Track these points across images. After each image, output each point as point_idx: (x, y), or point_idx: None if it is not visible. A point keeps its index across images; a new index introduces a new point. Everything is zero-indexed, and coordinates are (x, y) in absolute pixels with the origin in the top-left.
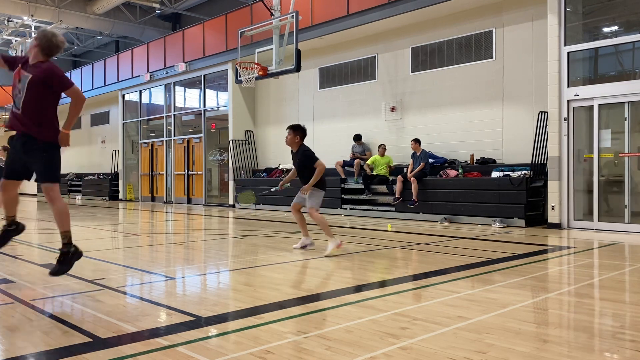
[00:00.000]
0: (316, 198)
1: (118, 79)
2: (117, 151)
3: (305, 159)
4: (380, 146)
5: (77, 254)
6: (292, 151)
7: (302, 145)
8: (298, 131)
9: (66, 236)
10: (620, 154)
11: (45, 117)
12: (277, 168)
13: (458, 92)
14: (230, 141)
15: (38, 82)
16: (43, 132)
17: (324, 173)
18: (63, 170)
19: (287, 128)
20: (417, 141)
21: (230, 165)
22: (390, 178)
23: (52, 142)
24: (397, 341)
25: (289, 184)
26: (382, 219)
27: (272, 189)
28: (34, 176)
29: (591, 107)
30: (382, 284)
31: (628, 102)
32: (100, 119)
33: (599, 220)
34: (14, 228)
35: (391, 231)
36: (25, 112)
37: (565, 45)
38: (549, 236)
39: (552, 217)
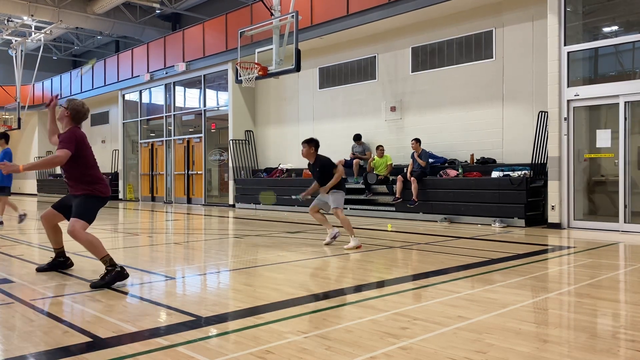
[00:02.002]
0: (339, 198)
1: (118, 79)
2: (117, 151)
3: (326, 167)
4: (378, 147)
5: (120, 275)
6: (309, 163)
7: (318, 155)
8: (312, 143)
9: (105, 261)
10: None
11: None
12: (277, 168)
13: (458, 92)
14: (230, 141)
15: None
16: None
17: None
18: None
19: (302, 143)
20: (417, 141)
21: (230, 165)
22: (390, 178)
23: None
24: (397, 341)
25: (310, 196)
26: (382, 219)
27: (294, 197)
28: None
29: (616, 105)
30: (382, 284)
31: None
32: (100, 119)
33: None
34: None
35: (391, 231)
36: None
37: (565, 45)
38: (549, 236)
39: (552, 217)
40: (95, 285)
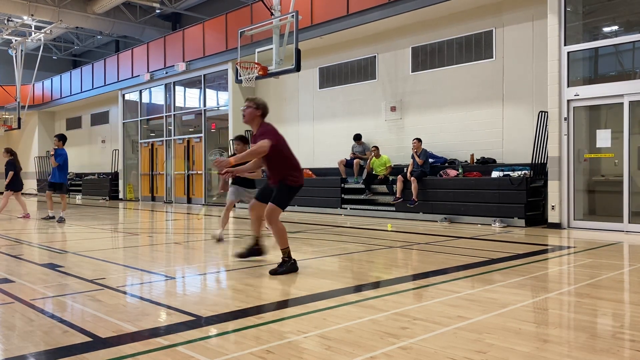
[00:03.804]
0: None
1: (118, 79)
2: (117, 151)
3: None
4: (372, 149)
5: (291, 267)
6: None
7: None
8: (245, 142)
9: (284, 252)
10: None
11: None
12: None
13: (458, 92)
14: (231, 141)
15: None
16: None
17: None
18: None
19: (235, 139)
20: (419, 140)
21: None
22: (390, 178)
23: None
24: (397, 341)
25: (222, 191)
26: (382, 219)
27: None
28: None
29: (618, 105)
30: (382, 284)
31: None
32: (100, 119)
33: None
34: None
35: (391, 231)
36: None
37: (565, 45)
38: (549, 236)
39: (552, 217)
40: (275, 272)
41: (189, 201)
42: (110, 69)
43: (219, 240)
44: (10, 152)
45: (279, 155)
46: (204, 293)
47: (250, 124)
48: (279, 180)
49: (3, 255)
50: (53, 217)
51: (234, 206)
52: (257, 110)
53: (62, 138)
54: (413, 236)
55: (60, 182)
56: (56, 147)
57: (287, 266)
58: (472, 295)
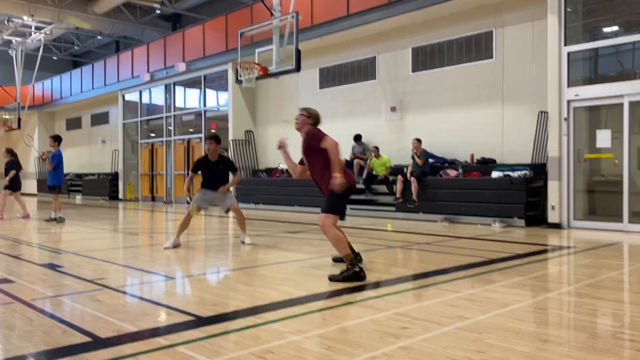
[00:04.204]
0: (233, 196)
1: (118, 79)
2: (117, 151)
3: (231, 166)
4: (373, 149)
5: (357, 276)
6: (206, 160)
7: (220, 153)
8: (218, 141)
9: (347, 259)
10: None
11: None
12: (277, 168)
13: (458, 92)
14: (231, 141)
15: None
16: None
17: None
18: (63, 170)
19: (208, 139)
20: (419, 141)
21: None
22: (390, 178)
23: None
24: (397, 341)
25: (189, 196)
26: (382, 219)
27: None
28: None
29: (618, 105)
30: (382, 283)
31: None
32: (100, 119)
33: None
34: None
35: (391, 231)
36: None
37: (565, 45)
38: (549, 236)
39: (552, 217)
40: (333, 279)
41: (189, 201)
42: (110, 70)
43: (175, 246)
44: (11, 152)
45: (325, 160)
46: (204, 293)
47: (300, 131)
48: (328, 188)
49: (3, 255)
50: (55, 219)
51: (199, 211)
52: (309, 118)
53: (57, 139)
54: (413, 236)
55: (57, 184)
56: (52, 149)
57: (348, 274)
58: (472, 295)
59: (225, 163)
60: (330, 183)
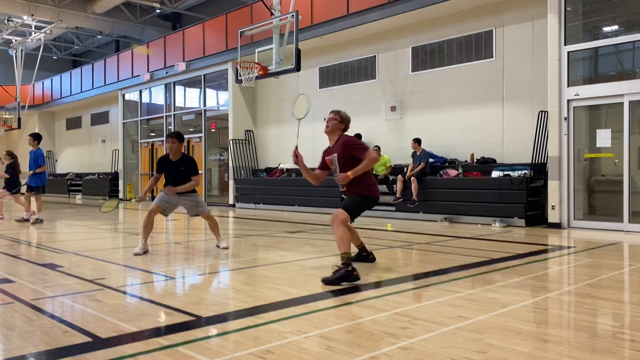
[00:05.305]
0: (202, 200)
1: (118, 79)
2: (117, 151)
3: (193, 167)
4: (374, 149)
5: (349, 275)
6: (167, 160)
7: (182, 152)
8: (182, 139)
9: (343, 258)
10: None
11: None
12: (277, 168)
13: (458, 91)
14: (231, 141)
15: (344, 154)
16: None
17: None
18: (63, 170)
19: (170, 137)
20: (417, 141)
21: (230, 165)
22: (390, 178)
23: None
24: (397, 341)
25: (148, 197)
26: (382, 219)
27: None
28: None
29: (618, 105)
30: (383, 283)
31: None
32: (100, 119)
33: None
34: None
35: (391, 231)
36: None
37: (565, 44)
38: (549, 236)
39: (552, 216)
40: (328, 282)
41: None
42: (110, 69)
43: (145, 252)
44: (11, 155)
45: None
46: (203, 293)
47: (330, 135)
48: (358, 192)
49: (3, 255)
50: (28, 220)
51: (165, 215)
52: (341, 124)
53: (37, 137)
54: (413, 236)
55: (40, 185)
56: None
57: (341, 273)
58: (472, 295)
59: (188, 164)
60: (343, 174)
